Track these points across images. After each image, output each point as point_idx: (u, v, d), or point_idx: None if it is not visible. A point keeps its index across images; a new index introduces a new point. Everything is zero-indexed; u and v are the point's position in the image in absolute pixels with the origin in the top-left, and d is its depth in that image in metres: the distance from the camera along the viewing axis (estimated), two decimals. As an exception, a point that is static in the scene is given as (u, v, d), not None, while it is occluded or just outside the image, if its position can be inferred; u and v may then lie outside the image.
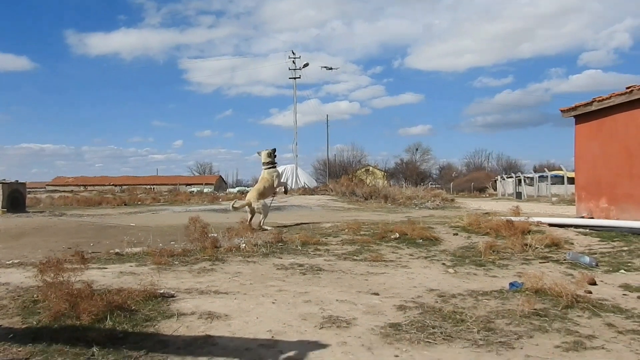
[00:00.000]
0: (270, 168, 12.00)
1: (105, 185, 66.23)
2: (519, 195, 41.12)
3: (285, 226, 11.61)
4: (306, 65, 54.21)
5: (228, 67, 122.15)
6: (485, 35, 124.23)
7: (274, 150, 12.25)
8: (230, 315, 4.37)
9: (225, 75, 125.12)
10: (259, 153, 12.23)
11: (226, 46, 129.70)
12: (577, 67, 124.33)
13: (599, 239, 9.01)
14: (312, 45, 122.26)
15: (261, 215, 11.44)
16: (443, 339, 3.80)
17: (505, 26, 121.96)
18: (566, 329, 4.09)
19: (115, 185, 62.23)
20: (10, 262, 7.00)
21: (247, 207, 11.71)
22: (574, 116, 13.33)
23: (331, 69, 59.58)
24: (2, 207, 17.04)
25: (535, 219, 10.65)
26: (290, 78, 54.45)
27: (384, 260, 7.40)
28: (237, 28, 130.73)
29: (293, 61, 54.06)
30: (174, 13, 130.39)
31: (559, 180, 39.81)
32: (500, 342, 3.74)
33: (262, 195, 11.82)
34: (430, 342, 3.72)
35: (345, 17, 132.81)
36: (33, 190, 42.91)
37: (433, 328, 4.04)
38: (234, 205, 12.21)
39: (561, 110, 13.82)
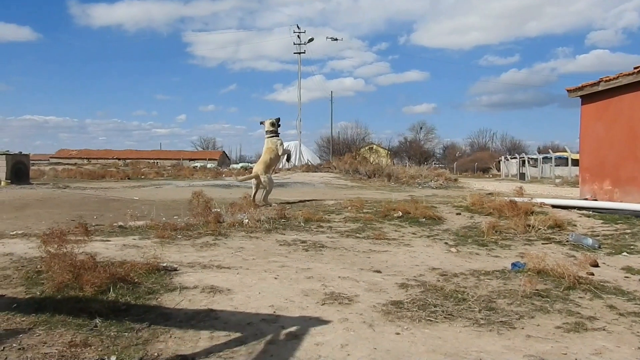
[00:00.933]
0: (273, 137, 11.82)
1: (108, 158, 66.35)
2: (522, 177, 41.08)
3: (288, 203, 11.60)
4: (311, 40, 53.82)
5: (232, 40, 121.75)
6: (492, 13, 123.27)
7: (278, 119, 12.07)
8: (233, 289, 4.38)
9: (229, 49, 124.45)
10: (262, 122, 12.06)
11: (230, 19, 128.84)
12: (585, 46, 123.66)
13: (602, 221, 9.00)
14: (318, 19, 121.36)
15: (264, 190, 11.41)
16: (444, 317, 3.81)
17: (513, 3, 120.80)
18: (567, 310, 4.10)
19: (119, 159, 62.26)
20: (14, 232, 7.03)
21: (253, 179, 11.66)
22: (580, 96, 13.22)
23: (336, 39, 59.06)
24: (6, 179, 17.09)
25: (539, 200, 10.63)
26: (295, 53, 54.15)
27: (387, 239, 7.41)
28: (242, 1, 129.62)
29: (298, 36, 53.67)
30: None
31: (563, 162, 39.73)
32: (501, 321, 3.75)
33: (268, 167, 11.71)
34: (431, 321, 3.73)
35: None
36: (37, 162, 43.03)
37: (434, 306, 4.05)
38: (240, 179, 12.15)
39: (567, 90, 13.70)
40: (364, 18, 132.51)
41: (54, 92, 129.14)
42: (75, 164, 49.65)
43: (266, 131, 11.87)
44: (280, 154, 12.03)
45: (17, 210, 9.88)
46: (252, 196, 11.34)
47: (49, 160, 61.44)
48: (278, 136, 11.98)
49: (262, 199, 11.23)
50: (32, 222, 8.36)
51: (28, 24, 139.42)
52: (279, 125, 12.10)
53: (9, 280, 4.41)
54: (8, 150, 18.75)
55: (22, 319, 3.54)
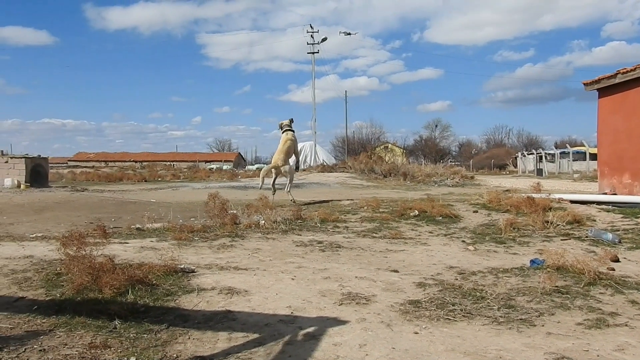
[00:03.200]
0: (289, 130, 12.22)
1: (125, 161, 66.83)
2: (539, 172, 40.65)
3: (304, 203, 11.61)
4: (324, 39, 53.62)
5: (246, 41, 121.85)
6: (505, 7, 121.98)
7: (291, 120, 12.60)
8: (250, 291, 4.39)
9: (243, 50, 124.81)
10: (280, 125, 12.48)
11: (244, 20, 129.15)
12: (601, 39, 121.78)
13: (622, 215, 8.87)
14: (331, 19, 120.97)
15: (287, 181, 11.81)
16: (463, 315, 3.78)
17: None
18: (588, 306, 4.05)
19: (136, 162, 62.77)
20: (34, 235, 7.11)
21: (273, 170, 11.84)
22: (597, 89, 13.05)
23: (350, 34, 58.83)
24: (25, 182, 17.30)
25: (557, 196, 10.52)
26: (308, 53, 53.95)
27: (403, 238, 7.38)
28: (255, 1, 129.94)
29: (311, 35, 53.49)
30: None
31: (581, 156, 39.22)
32: (520, 319, 3.72)
33: (287, 155, 11.92)
34: (450, 319, 3.71)
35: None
36: (55, 165, 43.57)
37: (453, 305, 4.02)
38: (262, 172, 12.40)
39: (584, 84, 13.52)
40: (376, 16, 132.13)
41: (71, 96, 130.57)
42: (93, 166, 50.20)
43: (281, 128, 12.31)
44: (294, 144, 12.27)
45: (37, 213, 10.01)
46: (271, 186, 11.66)
47: (67, 163, 62.18)
48: (293, 132, 12.36)
49: (287, 190, 11.55)
50: (52, 224, 8.47)
51: (45, 28, 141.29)
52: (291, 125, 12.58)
53: (29, 283, 4.46)
54: (27, 154, 18.97)
55: (43, 320, 3.58)
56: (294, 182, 12.71)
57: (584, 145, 38.47)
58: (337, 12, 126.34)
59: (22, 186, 17.01)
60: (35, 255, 5.55)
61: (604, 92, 12.93)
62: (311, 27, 53.79)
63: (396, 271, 5.30)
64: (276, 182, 12.11)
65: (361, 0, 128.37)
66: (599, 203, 10.18)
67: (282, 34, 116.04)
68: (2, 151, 18.82)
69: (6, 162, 17.73)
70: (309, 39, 53.45)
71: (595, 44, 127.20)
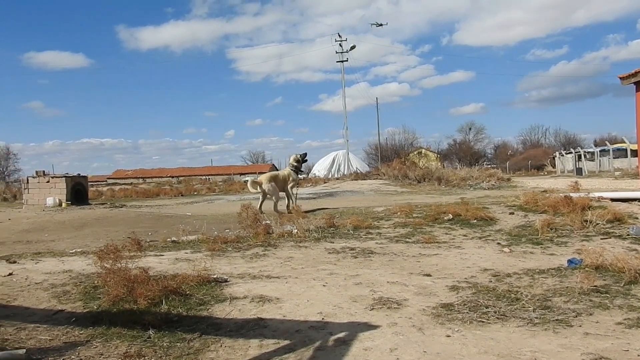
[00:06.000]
0: (292, 170, 13.05)
1: (162, 177, 68.04)
2: (579, 171, 39.68)
3: (336, 210, 11.61)
4: (353, 47, 53.83)
5: (275, 54, 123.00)
6: (536, 5, 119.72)
7: (305, 154, 13.46)
8: (282, 298, 4.41)
9: (273, 63, 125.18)
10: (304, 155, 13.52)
11: (273, 33, 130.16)
12: (636, 31, 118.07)
13: (665, 213, 8.59)
14: (359, 27, 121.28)
15: (273, 198, 12.29)
16: (497, 318, 3.72)
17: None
18: (629, 305, 3.93)
19: (172, 177, 63.79)
20: (74, 250, 7.30)
21: (258, 187, 12.45)
22: (635, 83, 12.71)
23: (381, 25, 58.73)
24: (66, 200, 17.77)
25: (597, 194, 10.26)
26: (337, 62, 54.24)
27: (437, 242, 7.30)
28: (283, 14, 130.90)
29: (340, 44, 53.77)
30: (220, 2, 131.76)
31: (621, 153, 38.17)
32: (557, 320, 3.63)
33: (273, 179, 12.61)
34: (483, 322, 3.64)
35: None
36: (95, 183, 44.68)
37: (486, 307, 3.95)
38: (248, 184, 13.13)
39: (620, 78, 13.20)
40: (405, 22, 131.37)
41: (108, 115, 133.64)
42: (131, 183, 51.26)
43: (289, 163, 13.28)
44: (289, 182, 12.97)
45: (77, 230, 10.28)
46: (258, 206, 11.98)
47: (106, 181, 63.64)
48: (296, 172, 13.18)
49: (273, 208, 11.97)
50: (90, 240, 8.67)
51: (81, 51, 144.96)
52: (304, 161, 13.65)
53: (68, 296, 4.58)
54: (67, 173, 19.51)
55: (80, 332, 3.67)
56: (324, 192, 12.94)
57: (624, 142, 37.45)
58: (365, 20, 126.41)
59: (64, 204, 17.48)
60: (74, 269, 5.69)
61: (641, 85, 12.59)
62: (339, 35, 54.12)
63: (429, 275, 5.24)
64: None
65: (389, 7, 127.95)
66: (640, 200, 9.89)
67: (311, 45, 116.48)
68: (43, 171, 19.39)
69: (47, 181, 18.26)
70: (337, 47, 53.80)
71: (632, 37, 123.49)
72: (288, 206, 12.50)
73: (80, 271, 5.56)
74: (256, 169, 76.87)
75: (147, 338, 3.50)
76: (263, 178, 12.69)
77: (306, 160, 13.51)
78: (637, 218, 8.27)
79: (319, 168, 51.16)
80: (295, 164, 13.10)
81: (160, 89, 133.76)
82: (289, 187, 12.83)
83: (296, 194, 13.20)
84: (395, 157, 47.44)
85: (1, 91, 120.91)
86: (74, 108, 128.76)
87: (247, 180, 14.24)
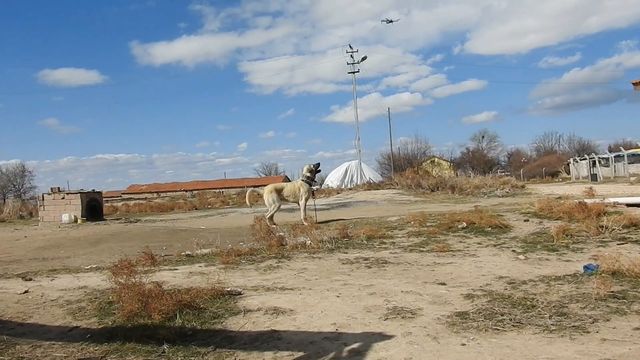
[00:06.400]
0: (304, 181, 12.78)
1: (176, 191, 68.49)
2: (594, 178, 39.30)
3: (350, 221, 11.59)
4: (364, 58, 53.97)
5: (287, 66, 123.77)
6: (548, 12, 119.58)
7: (318, 164, 13.06)
8: (295, 310, 4.40)
9: (284, 75, 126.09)
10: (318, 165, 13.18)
11: (285, 46, 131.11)
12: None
13: (683, 217, 8.46)
14: (371, 38, 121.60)
15: (271, 208, 12.36)
16: (512, 325, 3.68)
17: (569, 0, 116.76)
18: (646, 311, 3.87)
19: (186, 191, 64.20)
20: (89, 267, 7.34)
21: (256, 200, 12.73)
22: (648, 88, 12.62)
23: (392, 21, 59.00)
24: (82, 216, 17.91)
25: (612, 200, 10.16)
26: (349, 73, 54.42)
27: (451, 250, 7.25)
28: (294, 27, 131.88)
29: (351, 55, 53.95)
30: (232, 17, 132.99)
31: (637, 158, 37.85)
32: (573, 326, 3.58)
33: (277, 191, 12.58)
34: (499, 329, 3.61)
35: (402, 6, 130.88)
36: (110, 199, 45.03)
37: (502, 315, 3.92)
38: (246, 196, 13.74)
39: (633, 83, 13.13)
40: (416, 32, 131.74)
41: (122, 131, 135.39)
42: (146, 198, 51.59)
43: (302, 174, 13.02)
44: (301, 195, 12.73)
45: (92, 246, 10.35)
46: (268, 218, 12.03)
47: (121, 196, 64.13)
48: (310, 184, 12.85)
49: (267, 217, 11.94)
50: (106, 255, 8.73)
51: (95, 68, 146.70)
52: (318, 171, 13.19)
53: (83, 312, 4.60)
54: (82, 189, 19.68)
55: (95, 348, 3.68)
56: (338, 202, 12.88)
57: (639, 147, 37.09)
58: (376, 31, 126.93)
59: (79, 220, 17.62)
60: (89, 285, 5.73)
61: (654, 89, 12.50)
62: (350, 47, 54.36)
63: (443, 284, 5.21)
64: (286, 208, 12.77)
65: (400, 16, 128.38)
66: (657, 204, 9.78)
67: (323, 57, 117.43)
68: (58, 188, 19.57)
69: (62, 198, 18.43)
70: (348, 59, 53.98)
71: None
72: (304, 218, 12.33)
73: (95, 287, 5.60)
74: (269, 180, 76.85)
75: (162, 353, 3.51)
76: (266, 188, 12.71)
77: (319, 171, 13.25)
78: (654, 222, 8.16)
79: (332, 179, 51.12)
80: (308, 174, 12.85)
81: (173, 104, 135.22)
82: (301, 201, 12.63)
83: (308, 205, 12.88)
84: (408, 166, 47.37)
85: (17, 109, 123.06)
86: (89, 124, 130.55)
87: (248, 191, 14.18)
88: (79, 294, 5.30)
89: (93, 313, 4.55)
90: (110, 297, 4.88)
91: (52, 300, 5.05)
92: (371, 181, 40.54)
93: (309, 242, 8.22)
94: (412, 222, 10.27)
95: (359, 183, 43.35)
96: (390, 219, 11.59)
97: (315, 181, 12.83)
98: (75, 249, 10.11)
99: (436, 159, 66.67)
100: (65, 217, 17.77)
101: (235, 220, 16.21)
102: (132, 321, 4.17)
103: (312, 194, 12.81)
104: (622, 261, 5.04)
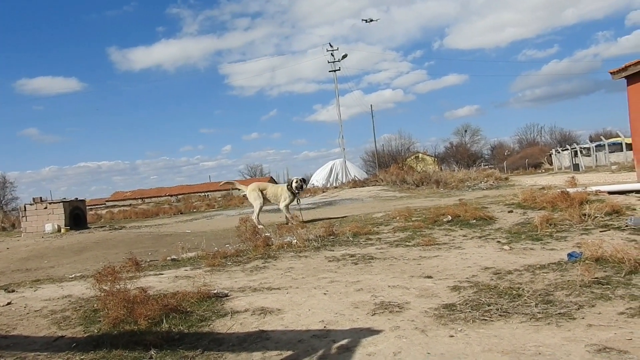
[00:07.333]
0: (287, 189, 12.78)
1: (161, 196, 67.91)
2: (576, 167, 39.77)
3: (336, 219, 11.59)
4: (345, 56, 53.99)
5: (268, 67, 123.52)
6: (525, 6, 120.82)
7: (303, 179, 13.18)
8: (283, 309, 4.38)
9: (266, 76, 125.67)
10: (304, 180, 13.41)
11: (265, 46, 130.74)
12: (626, 28, 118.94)
13: (663, 202, 8.58)
14: (351, 36, 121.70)
15: (256, 204, 12.60)
16: (499, 315, 3.70)
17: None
18: (630, 294, 3.92)
19: (171, 196, 63.64)
20: (73, 275, 7.25)
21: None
22: (625, 77, 12.78)
23: (372, 20, 59.26)
24: (65, 225, 17.70)
25: (594, 188, 10.26)
26: (330, 71, 54.39)
27: (437, 244, 7.28)
28: (274, 27, 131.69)
29: (331, 54, 53.94)
30: (210, 19, 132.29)
31: (617, 147, 38.34)
32: (560, 313, 3.61)
33: (260, 190, 12.84)
34: (486, 320, 3.62)
35: (381, 3, 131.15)
36: (94, 207, 44.57)
37: (489, 305, 3.94)
38: (237, 187, 14.13)
39: (611, 73, 13.27)
40: (396, 29, 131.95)
41: (104, 138, 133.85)
42: (130, 204, 51.05)
43: (289, 184, 12.95)
44: (279, 198, 12.89)
45: (76, 255, 10.23)
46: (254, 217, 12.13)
47: (105, 204, 63.42)
48: (293, 193, 12.74)
49: (253, 217, 12.08)
50: (90, 264, 8.63)
51: (74, 75, 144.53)
52: (306, 182, 13.69)
53: (68, 321, 4.54)
54: (65, 198, 19.44)
55: (82, 357, 3.63)
56: (324, 201, 12.89)
57: (619, 136, 37.61)
58: (356, 30, 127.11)
59: (62, 230, 17.42)
60: (73, 294, 5.65)
61: (632, 79, 12.67)
62: (330, 45, 54.31)
63: (430, 277, 5.22)
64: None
65: (379, 14, 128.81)
66: (638, 192, 9.89)
67: (304, 56, 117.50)
68: (40, 198, 19.32)
69: (45, 208, 18.19)
70: (329, 57, 53.93)
71: (621, 34, 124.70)
72: (287, 219, 12.37)
73: (79, 295, 5.53)
74: (255, 182, 76.77)
75: (149, 358, 3.47)
76: (249, 187, 12.92)
77: (305, 185, 13.49)
78: (634, 209, 8.27)
79: (317, 178, 51.09)
80: (295, 184, 12.74)
81: (155, 109, 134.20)
82: (281, 203, 12.68)
83: (292, 205, 12.93)
84: (392, 162, 47.43)
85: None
86: (70, 133, 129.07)
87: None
88: (63, 303, 5.22)
89: (78, 322, 4.49)
90: (95, 305, 4.82)
91: (36, 311, 4.97)
92: (356, 179, 40.54)
93: (295, 241, 8.19)
94: (398, 218, 10.29)
95: (344, 181, 43.37)
96: (376, 215, 11.60)
97: (299, 192, 12.77)
98: (59, 258, 9.98)
99: (420, 155, 66.99)
100: (48, 227, 17.55)
101: (221, 222, 16.13)
102: (118, 328, 4.11)
103: (294, 199, 12.70)
104: (605, 248, 5.09)
